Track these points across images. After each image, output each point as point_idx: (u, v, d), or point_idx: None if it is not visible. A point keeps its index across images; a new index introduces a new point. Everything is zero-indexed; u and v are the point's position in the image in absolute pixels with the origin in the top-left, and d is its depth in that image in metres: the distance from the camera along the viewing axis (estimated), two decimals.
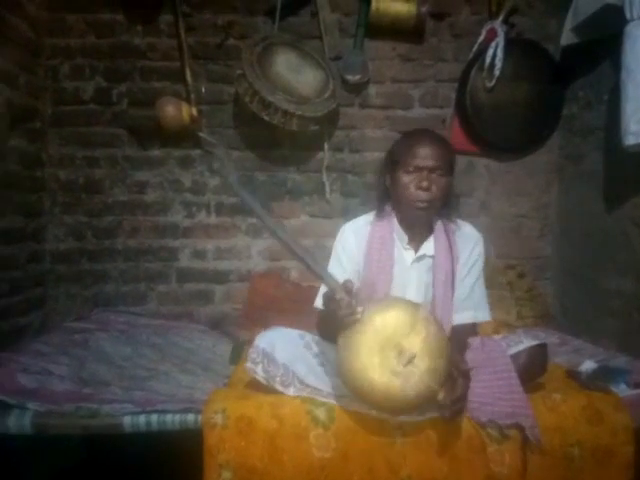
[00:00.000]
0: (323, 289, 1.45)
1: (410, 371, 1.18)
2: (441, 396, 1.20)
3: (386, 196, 1.56)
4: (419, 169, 1.44)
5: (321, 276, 1.25)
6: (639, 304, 1.90)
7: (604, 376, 1.57)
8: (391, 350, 1.20)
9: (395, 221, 1.55)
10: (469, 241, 1.56)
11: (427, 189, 1.44)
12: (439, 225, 1.54)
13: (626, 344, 1.93)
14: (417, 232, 1.55)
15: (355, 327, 1.21)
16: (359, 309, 1.21)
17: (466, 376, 1.26)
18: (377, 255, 1.51)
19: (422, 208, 1.46)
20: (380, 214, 1.56)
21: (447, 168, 1.47)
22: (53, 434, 1.34)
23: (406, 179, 1.46)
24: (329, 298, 1.25)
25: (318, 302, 1.49)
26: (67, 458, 1.64)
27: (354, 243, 1.55)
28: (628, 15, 1.72)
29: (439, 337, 1.23)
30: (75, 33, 2.37)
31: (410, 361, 1.18)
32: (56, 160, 2.40)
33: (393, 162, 1.51)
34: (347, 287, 1.22)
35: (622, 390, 1.52)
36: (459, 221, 1.59)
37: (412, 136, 1.54)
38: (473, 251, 1.56)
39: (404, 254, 1.55)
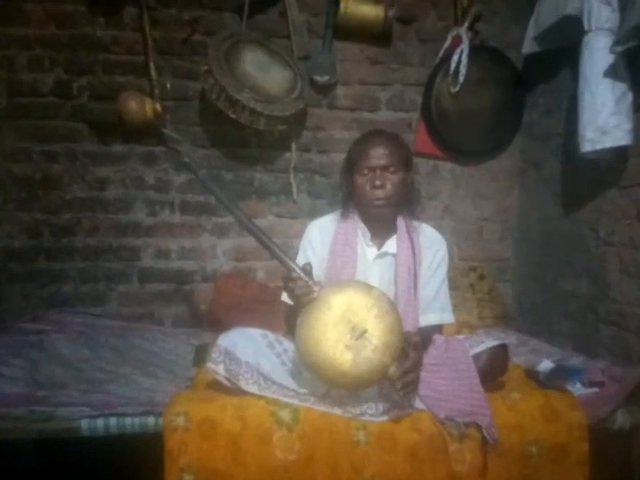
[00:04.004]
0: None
1: (362, 345, 1.24)
2: (392, 370, 1.25)
3: (349, 197, 1.61)
4: (372, 169, 1.51)
5: (282, 259, 1.33)
6: (594, 305, 1.97)
7: (561, 375, 1.62)
8: (345, 326, 1.25)
9: (358, 219, 1.60)
10: (433, 244, 1.61)
11: (381, 187, 1.50)
12: (402, 224, 1.59)
13: (581, 344, 2.00)
14: (380, 230, 1.59)
15: (311, 305, 1.29)
16: (315, 289, 1.29)
17: (417, 349, 1.32)
18: (341, 250, 1.56)
19: (379, 206, 1.52)
20: (345, 214, 1.61)
21: (399, 164, 1.52)
22: (3, 439, 1.29)
23: (361, 180, 1.53)
24: (288, 278, 1.32)
25: (284, 296, 1.54)
26: (18, 462, 1.57)
27: (319, 239, 1.60)
28: (586, 26, 1.78)
29: (391, 315, 1.28)
30: (34, 23, 2.29)
31: (361, 335, 1.24)
32: (11, 154, 2.30)
33: (350, 166, 1.57)
34: (305, 269, 1.32)
35: (577, 389, 1.58)
36: (422, 224, 1.64)
37: (362, 139, 1.60)
38: (437, 254, 1.60)
39: (367, 250, 1.59)
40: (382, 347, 1.24)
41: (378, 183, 1.49)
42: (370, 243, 1.59)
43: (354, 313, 1.26)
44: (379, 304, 1.28)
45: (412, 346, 1.32)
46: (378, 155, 1.50)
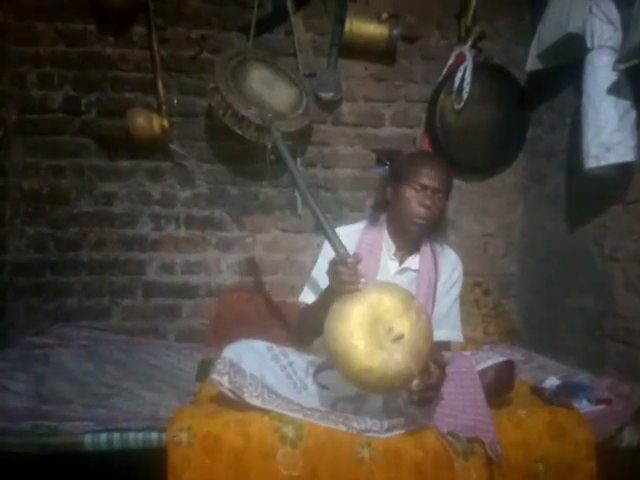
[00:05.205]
0: (309, 285, 1.57)
1: (395, 348, 1.23)
2: (415, 383, 1.26)
3: (382, 207, 1.63)
4: (424, 187, 1.52)
5: (334, 242, 1.36)
6: (600, 321, 1.96)
7: (567, 392, 1.60)
8: (382, 326, 1.25)
9: (385, 231, 1.62)
10: (450, 263, 1.64)
11: (428, 208, 1.51)
12: (426, 243, 1.61)
13: (588, 361, 1.98)
14: (404, 245, 1.61)
15: (351, 296, 1.28)
16: (362, 280, 1.28)
17: (442, 369, 1.32)
18: (364, 260, 1.55)
19: (419, 224, 1.53)
20: (372, 222, 1.63)
21: (447, 193, 1.57)
22: (7, 453, 1.28)
23: (410, 194, 1.53)
24: (340, 261, 1.32)
25: (303, 296, 1.57)
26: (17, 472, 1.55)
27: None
28: (589, 44, 1.80)
29: (427, 327, 1.29)
30: (45, 41, 2.33)
31: (398, 339, 1.23)
32: (20, 169, 2.33)
33: (399, 177, 1.57)
34: (357, 257, 1.32)
35: (584, 406, 1.56)
36: (445, 245, 1.66)
37: (423, 156, 1.64)
38: (453, 273, 1.63)
39: (389, 264, 1.60)
40: (414, 355, 1.24)
41: (428, 203, 1.51)
42: (393, 257, 1.60)
43: (393, 315, 1.26)
44: (418, 314, 1.28)
45: (438, 365, 1.32)
46: (437, 177, 1.52)
